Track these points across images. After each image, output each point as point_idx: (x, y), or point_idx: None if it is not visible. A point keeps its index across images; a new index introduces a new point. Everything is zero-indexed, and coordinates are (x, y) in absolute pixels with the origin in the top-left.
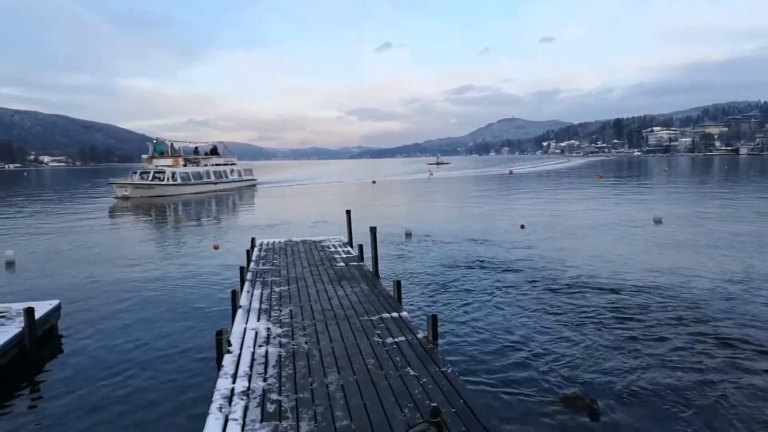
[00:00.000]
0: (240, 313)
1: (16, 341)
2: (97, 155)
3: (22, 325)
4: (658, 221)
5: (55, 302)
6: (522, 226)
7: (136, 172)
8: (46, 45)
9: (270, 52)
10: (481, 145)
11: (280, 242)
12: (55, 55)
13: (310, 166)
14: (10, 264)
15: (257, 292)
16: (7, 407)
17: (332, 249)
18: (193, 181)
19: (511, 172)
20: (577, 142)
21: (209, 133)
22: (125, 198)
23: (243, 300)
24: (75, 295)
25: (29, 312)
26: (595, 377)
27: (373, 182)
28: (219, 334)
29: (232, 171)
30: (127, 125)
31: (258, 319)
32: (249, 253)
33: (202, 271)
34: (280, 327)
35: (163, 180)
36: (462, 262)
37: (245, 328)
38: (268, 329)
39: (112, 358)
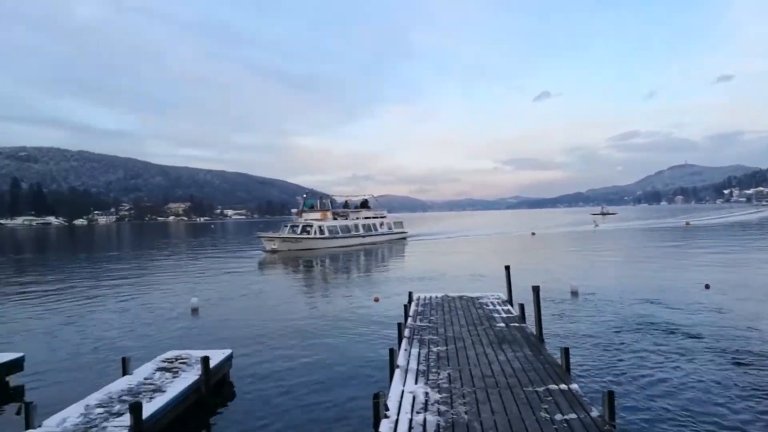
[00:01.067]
0: (398, 373)
1: (194, 388)
2: (272, 208)
3: (200, 372)
4: None
5: (228, 351)
6: (707, 286)
7: (287, 226)
8: (231, 110)
9: (426, 106)
10: (650, 194)
11: (437, 297)
12: (237, 119)
13: (465, 218)
14: (195, 311)
15: (414, 351)
16: None
17: (491, 307)
18: (341, 234)
19: (687, 224)
20: (767, 189)
21: (370, 187)
22: (273, 251)
23: (401, 359)
24: (244, 344)
25: (205, 361)
26: None
27: (533, 234)
28: (376, 397)
29: (381, 224)
30: (298, 180)
31: (416, 382)
32: (407, 307)
33: (362, 324)
34: (439, 392)
35: (310, 233)
36: (636, 326)
37: (403, 391)
38: (426, 394)
39: (275, 409)
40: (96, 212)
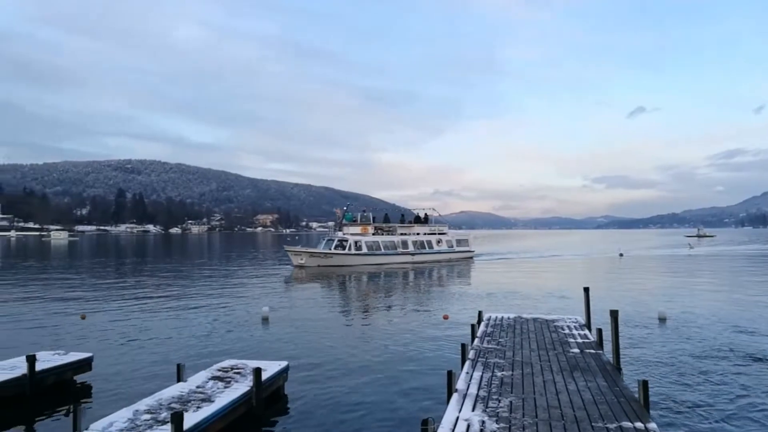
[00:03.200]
0: (455, 398)
1: (244, 399)
2: None
3: (252, 383)
4: None
5: (283, 363)
6: None
7: (324, 240)
8: (318, 126)
9: (511, 121)
10: (755, 216)
11: (508, 318)
12: (322, 135)
13: (550, 236)
14: (265, 320)
15: (477, 374)
16: None
17: (566, 331)
18: (382, 251)
19: None
20: None
21: (453, 202)
22: (301, 267)
23: (460, 383)
24: (305, 356)
25: (257, 373)
26: None
27: (621, 255)
28: (425, 423)
29: (438, 241)
30: (379, 195)
31: (473, 408)
32: (474, 327)
33: (426, 343)
34: (497, 422)
35: (345, 249)
36: (731, 359)
37: (457, 418)
38: (483, 422)
39: (325, 428)
40: (189, 221)
